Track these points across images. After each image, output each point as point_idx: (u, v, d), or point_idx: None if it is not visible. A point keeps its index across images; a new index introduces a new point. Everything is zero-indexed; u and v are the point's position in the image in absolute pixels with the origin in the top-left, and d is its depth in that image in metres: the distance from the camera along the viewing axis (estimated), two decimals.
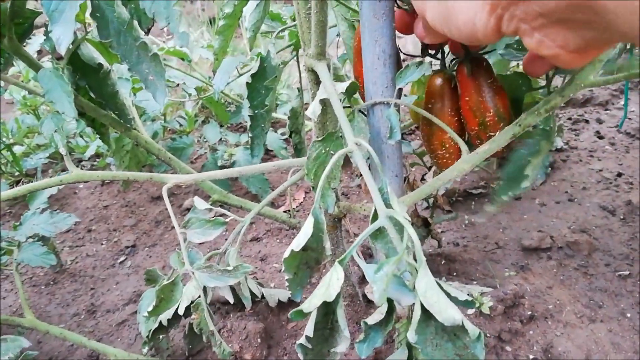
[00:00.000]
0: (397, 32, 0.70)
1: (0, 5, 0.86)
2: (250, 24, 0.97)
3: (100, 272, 1.42)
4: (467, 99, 0.74)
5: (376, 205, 0.54)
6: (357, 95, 0.82)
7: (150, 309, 0.86)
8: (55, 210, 1.18)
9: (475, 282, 1.12)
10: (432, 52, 0.76)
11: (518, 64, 1.34)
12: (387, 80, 0.73)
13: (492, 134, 0.72)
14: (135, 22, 0.83)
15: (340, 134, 0.68)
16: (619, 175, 1.47)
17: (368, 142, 0.67)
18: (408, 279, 0.50)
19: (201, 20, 3.56)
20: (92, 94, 1.02)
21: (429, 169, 1.23)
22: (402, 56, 0.77)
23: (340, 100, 0.68)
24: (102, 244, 1.55)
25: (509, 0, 0.40)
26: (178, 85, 1.78)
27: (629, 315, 1.01)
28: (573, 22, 0.38)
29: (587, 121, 1.84)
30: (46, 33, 0.88)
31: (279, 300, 1.12)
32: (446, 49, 0.77)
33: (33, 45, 1.48)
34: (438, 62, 0.79)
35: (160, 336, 0.99)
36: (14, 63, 1.63)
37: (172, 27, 0.77)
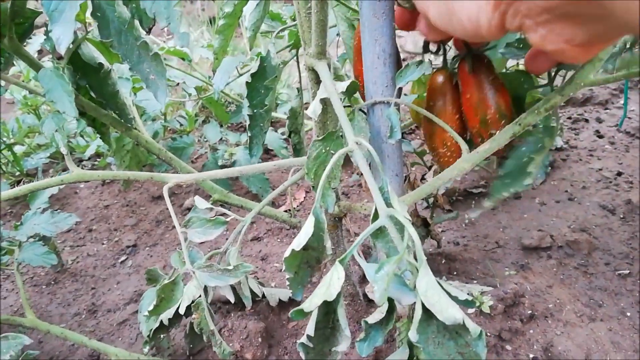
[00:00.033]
0: (396, 32, 0.71)
1: (0, 5, 0.86)
2: (250, 24, 0.97)
3: (101, 271, 1.42)
4: (468, 96, 0.74)
5: (377, 204, 0.54)
6: (357, 95, 0.82)
7: (151, 308, 0.86)
8: (56, 210, 1.18)
9: (475, 282, 1.13)
10: (433, 49, 0.76)
11: (518, 63, 1.34)
12: (387, 80, 0.73)
13: (493, 131, 0.72)
14: (136, 22, 0.83)
15: (341, 134, 0.68)
16: (619, 174, 1.47)
17: (368, 141, 0.67)
18: (409, 278, 0.50)
19: (201, 20, 3.56)
20: (92, 94, 1.02)
21: (429, 168, 1.23)
22: (402, 55, 0.77)
23: (341, 99, 0.68)
24: (103, 244, 1.55)
25: None
26: (178, 84, 1.78)
27: (628, 314, 1.01)
28: (578, 16, 0.38)
29: (586, 120, 1.84)
30: (46, 33, 0.88)
31: (279, 299, 1.12)
32: (447, 46, 0.77)
33: (33, 45, 1.48)
34: (438, 60, 0.80)
35: (161, 335, 0.99)
36: (15, 63, 1.64)
37: (173, 28, 0.77)
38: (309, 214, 0.59)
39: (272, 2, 1.00)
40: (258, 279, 1.18)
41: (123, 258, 1.47)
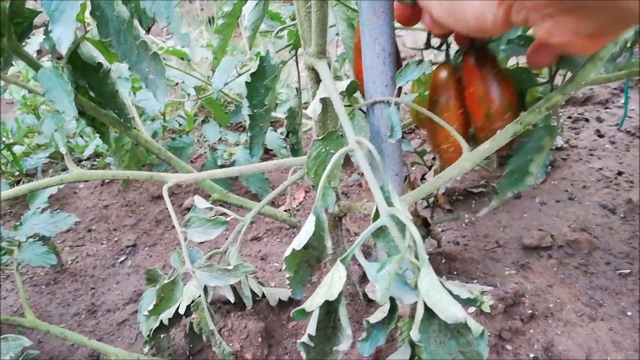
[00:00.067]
0: (396, 31, 0.70)
1: None
2: (250, 23, 0.97)
3: (101, 271, 1.42)
4: (472, 89, 0.73)
5: (378, 203, 0.54)
6: (357, 94, 0.81)
7: (150, 308, 0.86)
8: (55, 210, 1.18)
9: (475, 281, 1.12)
10: (434, 45, 0.76)
11: (518, 62, 1.34)
12: (386, 79, 0.73)
13: (497, 124, 0.72)
14: (135, 21, 0.83)
15: (341, 133, 0.68)
16: (619, 173, 1.47)
17: (368, 140, 0.67)
18: (410, 278, 0.50)
19: (200, 20, 3.56)
20: (92, 93, 1.02)
21: (429, 168, 1.23)
22: (404, 52, 0.77)
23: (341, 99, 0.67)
24: (102, 244, 1.55)
25: None
26: (177, 84, 1.78)
27: (629, 313, 1.01)
28: (583, 8, 0.38)
29: (587, 120, 1.84)
30: (46, 32, 0.88)
31: (279, 299, 1.12)
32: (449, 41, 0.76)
33: (32, 44, 1.48)
34: (438, 59, 0.79)
35: (161, 335, 0.99)
36: (14, 63, 1.63)
37: (173, 28, 0.77)
38: (308, 213, 0.59)
39: (271, 1, 0.99)
40: (258, 278, 1.18)
41: (122, 258, 1.47)
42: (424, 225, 1.12)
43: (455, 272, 1.17)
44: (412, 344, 0.53)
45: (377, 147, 0.76)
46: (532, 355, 0.94)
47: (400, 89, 0.74)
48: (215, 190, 1.05)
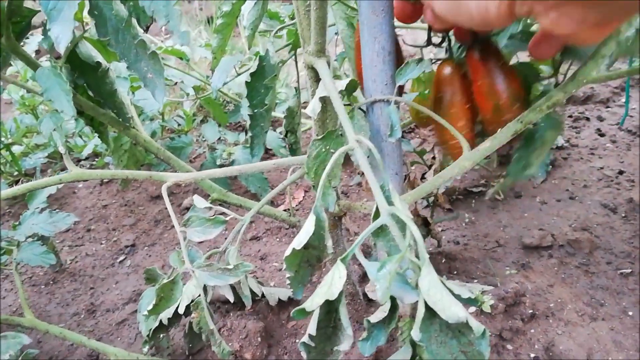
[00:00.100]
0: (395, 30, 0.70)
1: None
2: (249, 22, 0.96)
3: (100, 271, 1.42)
4: (479, 83, 0.73)
5: (378, 202, 0.53)
6: (356, 93, 0.81)
7: (150, 307, 0.86)
8: (54, 210, 1.18)
9: (476, 281, 1.12)
10: (436, 42, 0.75)
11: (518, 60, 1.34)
12: (386, 78, 0.72)
13: (507, 116, 0.72)
14: (134, 20, 0.83)
15: (341, 132, 0.68)
16: (620, 172, 1.47)
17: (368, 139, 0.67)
18: (410, 277, 0.49)
19: (199, 20, 3.56)
20: (90, 93, 1.02)
21: (429, 167, 1.22)
22: (404, 52, 0.77)
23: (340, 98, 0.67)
24: (101, 244, 1.55)
25: None
26: (176, 84, 1.78)
27: (630, 313, 1.00)
28: None
29: (588, 119, 1.84)
30: (44, 32, 0.87)
31: (279, 299, 1.11)
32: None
33: (31, 44, 1.47)
34: (435, 59, 0.79)
35: (161, 335, 0.98)
36: (12, 63, 1.63)
37: (172, 26, 0.77)
38: (308, 213, 0.59)
39: (270, 1, 0.99)
40: (257, 278, 1.18)
41: (122, 258, 1.46)
42: (424, 225, 1.11)
43: (455, 272, 1.17)
44: (413, 344, 0.53)
45: (376, 146, 0.76)
46: (532, 355, 0.94)
47: (402, 88, 0.73)
48: (214, 189, 1.05)
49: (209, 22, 3.41)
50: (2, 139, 1.88)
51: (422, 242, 0.46)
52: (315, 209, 0.58)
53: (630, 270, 1.10)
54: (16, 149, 1.94)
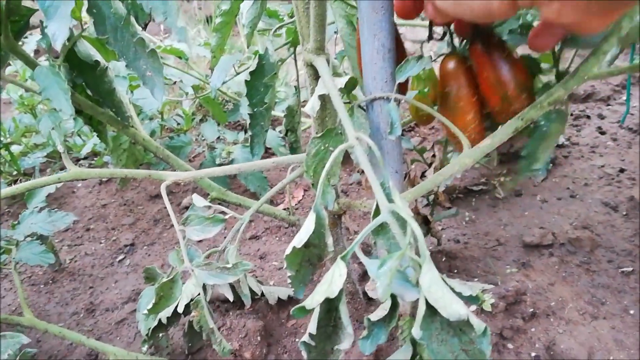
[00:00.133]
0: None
1: None
2: (248, 21, 0.96)
3: (99, 270, 1.42)
4: (485, 75, 0.73)
5: (378, 200, 0.53)
6: (356, 91, 0.81)
7: (149, 307, 0.85)
8: (53, 209, 1.18)
9: (476, 279, 1.12)
10: (437, 38, 0.75)
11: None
12: (386, 75, 0.72)
13: (516, 106, 0.71)
14: (132, 18, 0.82)
15: (340, 130, 0.67)
16: (621, 171, 1.47)
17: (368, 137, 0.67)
18: (411, 275, 0.49)
19: (198, 19, 3.55)
20: (89, 92, 1.01)
21: (429, 165, 1.22)
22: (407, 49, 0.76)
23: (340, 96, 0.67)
24: (100, 243, 1.54)
25: None
26: (175, 83, 1.77)
27: (632, 312, 1.00)
28: None
29: (588, 117, 1.83)
30: (42, 31, 0.87)
31: (278, 298, 1.11)
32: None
33: (30, 44, 1.47)
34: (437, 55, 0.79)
35: (160, 334, 0.98)
36: (11, 62, 1.63)
37: (170, 22, 0.76)
38: (307, 212, 0.58)
39: None
40: (257, 277, 1.17)
41: (121, 257, 1.46)
42: (424, 223, 1.11)
43: (455, 271, 1.17)
44: (414, 343, 0.52)
45: (376, 144, 0.76)
46: (533, 354, 0.94)
47: (404, 86, 0.73)
48: (213, 188, 1.04)
49: (208, 21, 3.41)
50: (1, 138, 1.88)
51: (423, 239, 0.46)
52: (315, 207, 0.57)
53: (631, 269, 1.10)
54: (15, 149, 1.94)
